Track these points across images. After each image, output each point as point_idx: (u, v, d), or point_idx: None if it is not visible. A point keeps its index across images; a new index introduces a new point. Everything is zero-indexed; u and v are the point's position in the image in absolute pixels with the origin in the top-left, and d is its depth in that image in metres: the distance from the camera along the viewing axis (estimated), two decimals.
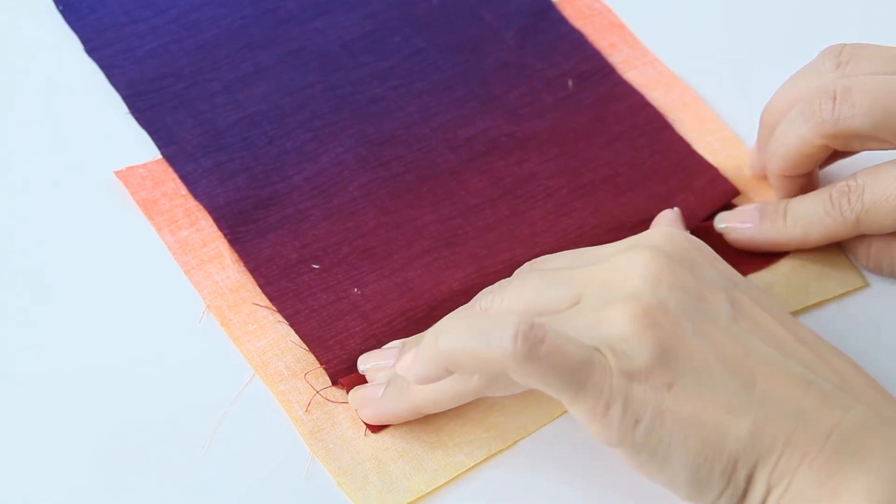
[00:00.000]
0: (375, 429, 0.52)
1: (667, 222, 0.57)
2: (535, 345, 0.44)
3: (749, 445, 0.45)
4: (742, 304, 0.48)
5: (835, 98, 0.55)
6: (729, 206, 0.60)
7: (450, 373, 0.47)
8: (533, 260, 0.53)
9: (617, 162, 0.62)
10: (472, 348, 0.45)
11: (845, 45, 0.58)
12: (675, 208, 0.58)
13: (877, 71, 0.56)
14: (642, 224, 0.59)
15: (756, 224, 0.58)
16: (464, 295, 0.55)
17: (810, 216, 0.57)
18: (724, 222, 0.59)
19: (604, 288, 0.47)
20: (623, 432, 0.45)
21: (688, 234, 0.51)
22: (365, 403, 0.52)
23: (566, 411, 0.52)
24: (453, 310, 0.54)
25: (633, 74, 0.66)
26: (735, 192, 0.61)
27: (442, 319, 0.51)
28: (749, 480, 0.45)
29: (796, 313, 0.57)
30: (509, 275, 0.56)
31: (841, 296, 0.58)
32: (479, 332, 0.45)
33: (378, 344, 0.54)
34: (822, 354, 0.47)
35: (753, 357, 0.46)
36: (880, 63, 0.56)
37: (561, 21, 0.68)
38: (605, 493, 0.51)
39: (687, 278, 0.47)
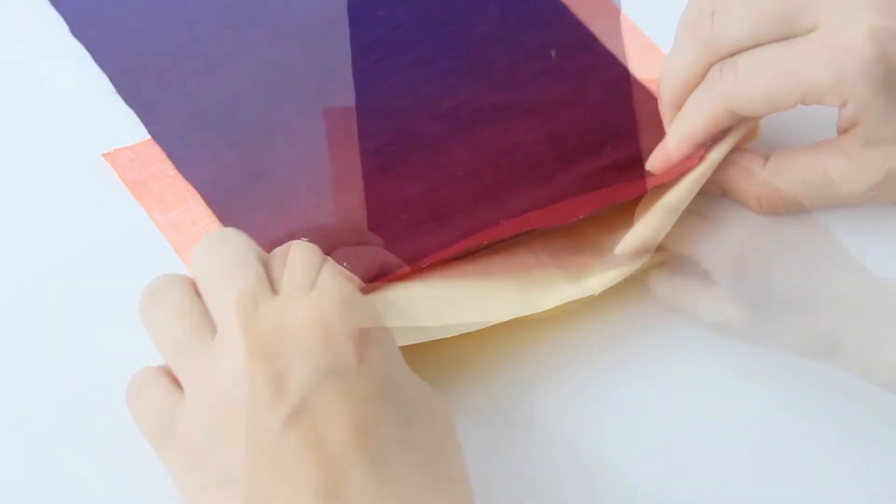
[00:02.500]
0: (367, 288, 0.52)
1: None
2: None
3: None
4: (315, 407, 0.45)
5: (713, 13, 0.56)
6: None
7: None
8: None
9: (600, 130, 0.63)
10: None
11: None
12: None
13: None
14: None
15: (663, 141, 0.59)
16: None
17: (693, 100, 0.57)
18: (649, 162, 0.59)
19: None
20: None
21: (345, 292, 0.48)
22: None
23: None
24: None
25: (613, 45, 0.66)
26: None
27: None
28: None
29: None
30: (495, 245, 0.57)
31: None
32: None
33: None
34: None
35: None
36: None
37: None
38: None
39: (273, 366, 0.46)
